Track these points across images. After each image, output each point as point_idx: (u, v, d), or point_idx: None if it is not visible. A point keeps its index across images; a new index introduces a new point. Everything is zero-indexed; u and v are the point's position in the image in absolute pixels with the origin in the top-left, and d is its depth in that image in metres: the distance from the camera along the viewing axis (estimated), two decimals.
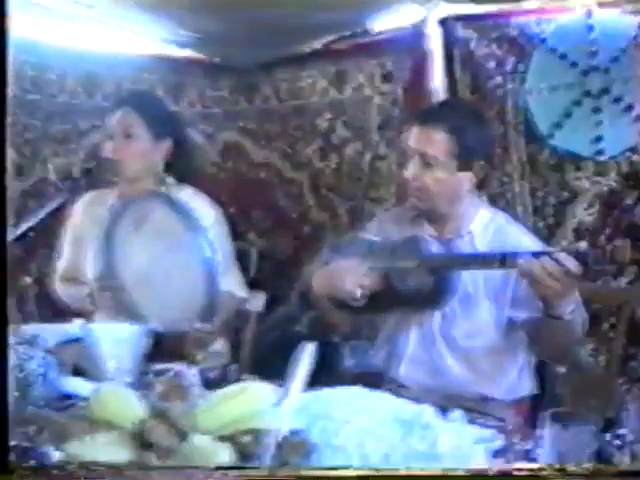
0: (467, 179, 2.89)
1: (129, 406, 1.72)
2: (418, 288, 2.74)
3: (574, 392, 3.14)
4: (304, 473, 1.58)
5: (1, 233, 1.35)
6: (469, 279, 2.80)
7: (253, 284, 3.57)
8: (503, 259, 2.56)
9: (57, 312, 3.49)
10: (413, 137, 2.86)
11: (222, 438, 1.61)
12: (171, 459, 1.48)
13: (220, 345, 3.29)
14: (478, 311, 2.82)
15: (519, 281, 2.73)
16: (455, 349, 2.85)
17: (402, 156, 4.00)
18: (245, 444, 1.57)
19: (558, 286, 2.44)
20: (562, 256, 2.43)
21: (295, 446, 1.63)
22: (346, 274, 2.81)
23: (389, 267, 2.83)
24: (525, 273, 2.50)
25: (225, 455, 1.54)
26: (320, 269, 3.04)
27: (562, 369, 3.29)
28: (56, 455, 1.62)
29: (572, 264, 2.41)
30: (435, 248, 2.79)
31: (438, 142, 2.80)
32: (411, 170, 2.83)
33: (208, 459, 1.52)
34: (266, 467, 1.53)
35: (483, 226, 2.92)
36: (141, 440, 1.55)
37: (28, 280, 3.84)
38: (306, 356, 1.87)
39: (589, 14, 3.64)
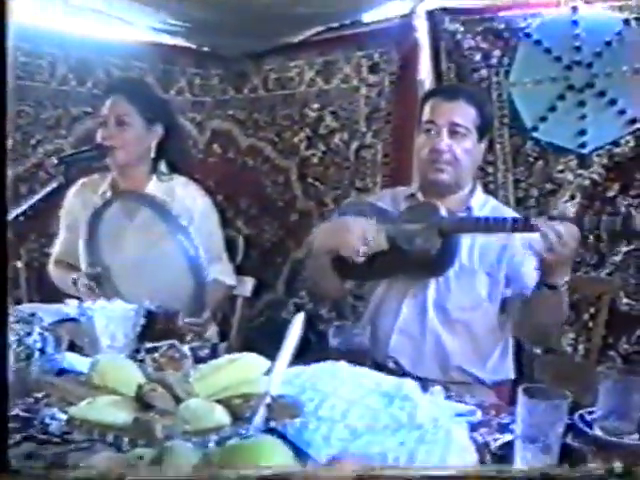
0: (482, 152, 3.01)
1: (128, 375, 1.78)
2: (425, 248, 2.77)
3: (552, 379, 3.18)
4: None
5: (2, 212, 1.39)
6: (465, 251, 2.85)
7: (240, 271, 3.61)
8: (515, 224, 2.60)
9: (48, 296, 3.52)
10: (438, 111, 2.90)
11: (216, 402, 1.67)
12: (170, 419, 1.54)
13: (210, 331, 3.34)
14: (473, 284, 2.87)
15: (513, 256, 2.81)
16: (447, 321, 2.89)
17: (396, 142, 4.11)
18: (237, 406, 1.63)
19: (566, 251, 2.47)
20: (562, 224, 2.48)
21: (284, 407, 1.69)
22: (352, 228, 2.83)
23: (397, 229, 2.85)
24: (542, 237, 2.49)
25: (219, 416, 1.60)
26: (325, 223, 3.09)
27: (541, 357, 3.35)
28: (61, 418, 1.68)
29: (573, 230, 2.47)
30: (444, 212, 2.81)
31: (467, 113, 2.88)
32: (446, 140, 2.85)
33: (204, 420, 1.58)
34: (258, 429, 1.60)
35: (480, 204, 2.98)
36: (141, 402, 1.61)
37: (19, 264, 3.87)
38: (296, 325, 1.93)
39: (574, 10, 3.69)
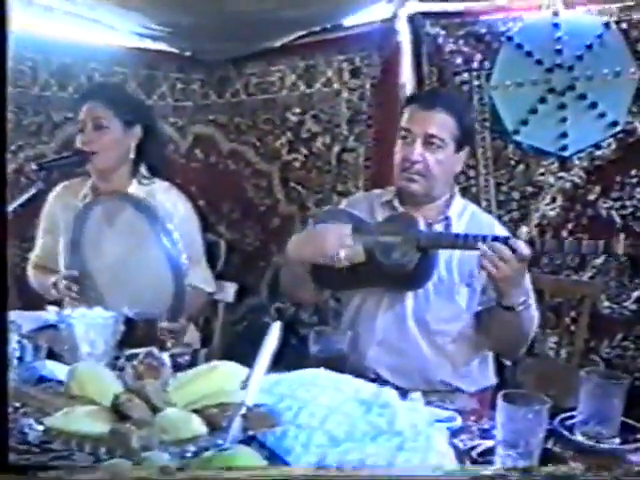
0: (460, 162, 2.96)
1: (106, 384, 1.78)
2: (402, 263, 2.75)
3: (535, 383, 3.18)
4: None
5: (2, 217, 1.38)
6: (442, 263, 2.83)
7: (222, 276, 3.59)
8: (494, 242, 2.56)
9: (28, 302, 3.50)
10: (415, 119, 2.87)
11: (193, 411, 1.67)
12: (147, 429, 1.53)
13: (190, 337, 3.33)
14: (452, 296, 2.86)
15: None
16: (428, 333, 2.87)
17: (381, 144, 4.09)
18: (214, 416, 1.63)
19: (507, 269, 2.49)
20: (512, 241, 2.50)
21: (260, 417, 1.69)
22: (327, 235, 2.82)
23: (374, 241, 2.83)
24: (480, 255, 2.54)
25: (196, 426, 1.60)
26: (299, 233, 3.06)
27: (524, 361, 3.34)
28: (38, 428, 1.67)
29: (523, 249, 2.48)
30: (422, 226, 2.80)
31: (444, 123, 2.84)
32: (418, 150, 2.82)
33: (181, 430, 1.58)
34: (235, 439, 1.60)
35: (458, 213, 2.96)
36: (118, 412, 1.61)
37: None
38: (273, 335, 1.93)
39: (555, 13, 3.70)
